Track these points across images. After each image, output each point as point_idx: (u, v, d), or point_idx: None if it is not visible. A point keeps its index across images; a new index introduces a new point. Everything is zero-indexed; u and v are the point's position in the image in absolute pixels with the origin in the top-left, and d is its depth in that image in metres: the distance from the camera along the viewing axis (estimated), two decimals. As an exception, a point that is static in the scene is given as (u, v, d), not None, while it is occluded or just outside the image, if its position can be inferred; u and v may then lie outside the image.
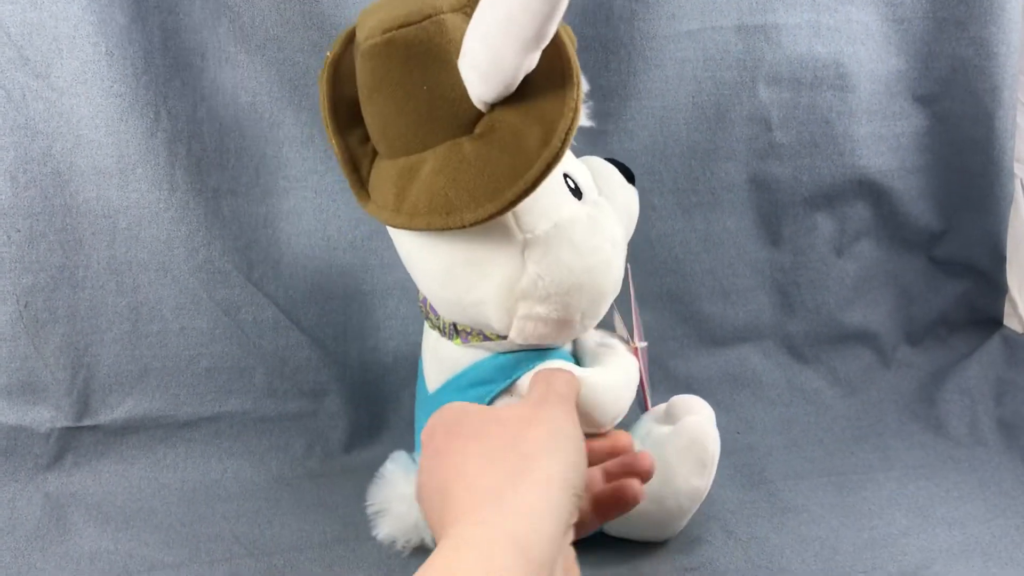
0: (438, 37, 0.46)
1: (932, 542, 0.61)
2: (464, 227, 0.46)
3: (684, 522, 0.59)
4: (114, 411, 0.71)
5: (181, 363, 0.72)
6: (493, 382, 0.53)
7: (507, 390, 0.53)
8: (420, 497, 0.41)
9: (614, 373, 0.54)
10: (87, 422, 0.70)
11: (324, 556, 0.60)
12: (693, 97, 0.80)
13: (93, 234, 0.70)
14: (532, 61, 0.45)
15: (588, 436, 0.41)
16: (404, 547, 0.58)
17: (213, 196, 0.72)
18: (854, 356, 0.87)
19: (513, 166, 0.45)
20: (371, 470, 0.61)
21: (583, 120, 0.51)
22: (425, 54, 0.47)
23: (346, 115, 0.52)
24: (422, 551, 0.58)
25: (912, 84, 0.84)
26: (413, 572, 0.33)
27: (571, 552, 0.40)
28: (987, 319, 0.90)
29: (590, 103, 0.52)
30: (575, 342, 0.58)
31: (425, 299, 0.56)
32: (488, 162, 0.46)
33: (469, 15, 0.46)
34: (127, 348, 0.71)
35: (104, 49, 0.67)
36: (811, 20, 0.80)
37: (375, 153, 0.52)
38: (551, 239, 0.49)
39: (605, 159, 0.58)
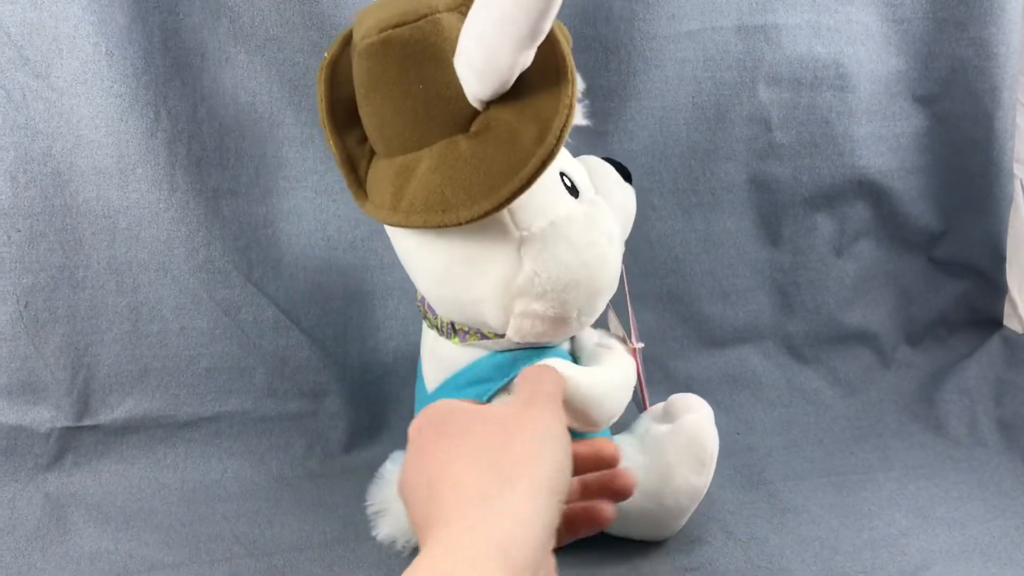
0: (434, 36, 0.47)
1: (932, 542, 0.61)
2: (460, 224, 0.46)
3: (683, 521, 0.59)
4: (114, 411, 0.71)
5: (181, 363, 0.72)
6: (491, 380, 0.53)
7: (505, 388, 0.53)
8: (403, 492, 0.41)
9: (612, 372, 0.54)
10: (87, 422, 0.70)
11: (324, 556, 0.60)
12: (693, 97, 0.80)
13: (93, 234, 0.70)
14: (527, 59, 0.45)
15: (573, 438, 0.41)
16: (404, 547, 0.58)
17: (213, 196, 0.72)
18: (854, 356, 0.87)
19: (509, 163, 0.45)
20: (371, 470, 0.61)
21: (579, 118, 0.51)
22: (421, 53, 0.47)
23: (344, 115, 0.52)
24: (422, 551, 0.58)
25: (912, 84, 0.84)
26: (413, 573, 0.33)
27: (551, 559, 0.40)
28: (987, 319, 0.90)
29: (586, 102, 0.52)
30: (573, 341, 0.58)
31: (423, 298, 0.56)
32: (484, 160, 0.46)
33: (464, 14, 0.46)
34: (127, 348, 0.71)
35: (104, 49, 0.67)
36: (811, 20, 0.80)
37: (372, 153, 0.52)
38: (547, 236, 0.49)
39: (602, 158, 0.58)
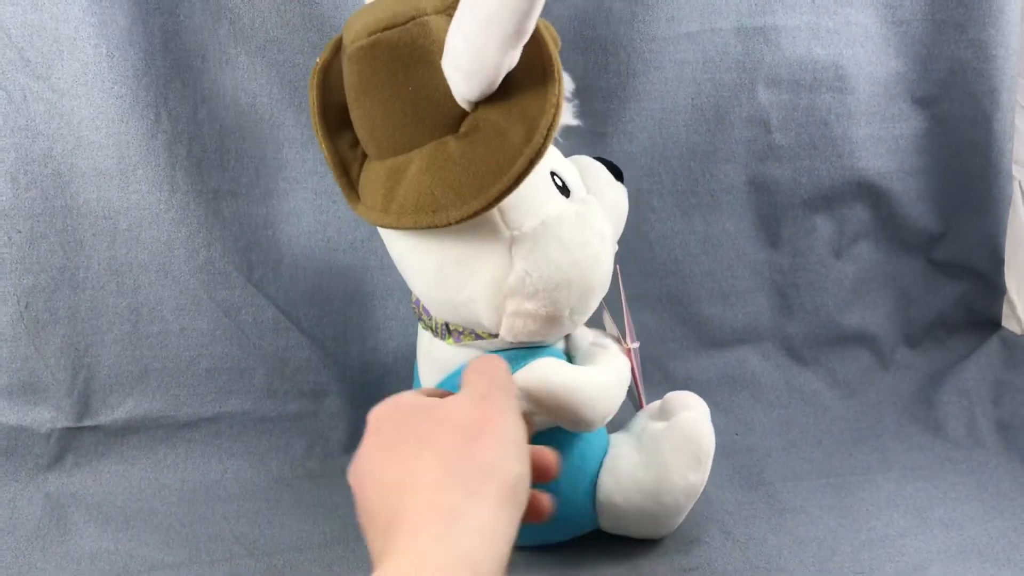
0: (422, 39, 0.47)
1: (930, 543, 0.61)
2: (451, 225, 0.46)
3: (681, 519, 0.60)
4: (114, 411, 0.71)
5: (181, 364, 0.72)
6: None
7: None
8: (358, 482, 0.41)
9: (605, 372, 0.54)
10: (87, 422, 0.70)
11: (324, 556, 0.60)
12: (692, 99, 0.80)
13: (94, 235, 0.70)
14: (513, 59, 0.45)
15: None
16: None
17: (213, 197, 0.72)
18: (853, 358, 0.87)
19: (497, 163, 0.45)
20: (371, 471, 0.61)
21: (568, 118, 0.52)
22: (409, 56, 0.47)
23: (336, 119, 0.53)
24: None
25: (911, 86, 0.85)
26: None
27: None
28: (985, 321, 0.90)
29: (575, 101, 0.53)
30: (568, 341, 0.58)
31: (418, 300, 0.56)
32: (473, 160, 0.46)
33: (452, 16, 0.46)
34: (128, 349, 0.71)
35: (105, 51, 0.67)
36: (810, 22, 0.80)
37: (364, 156, 0.53)
38: (538, 236, 0.50)
39: (594, 157, 0.58)
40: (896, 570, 0.58)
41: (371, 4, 0.50)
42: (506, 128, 0.46)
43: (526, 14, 0.42)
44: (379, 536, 0.38)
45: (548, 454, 0.45)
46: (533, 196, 0.50)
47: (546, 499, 0.45)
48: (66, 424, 0.70)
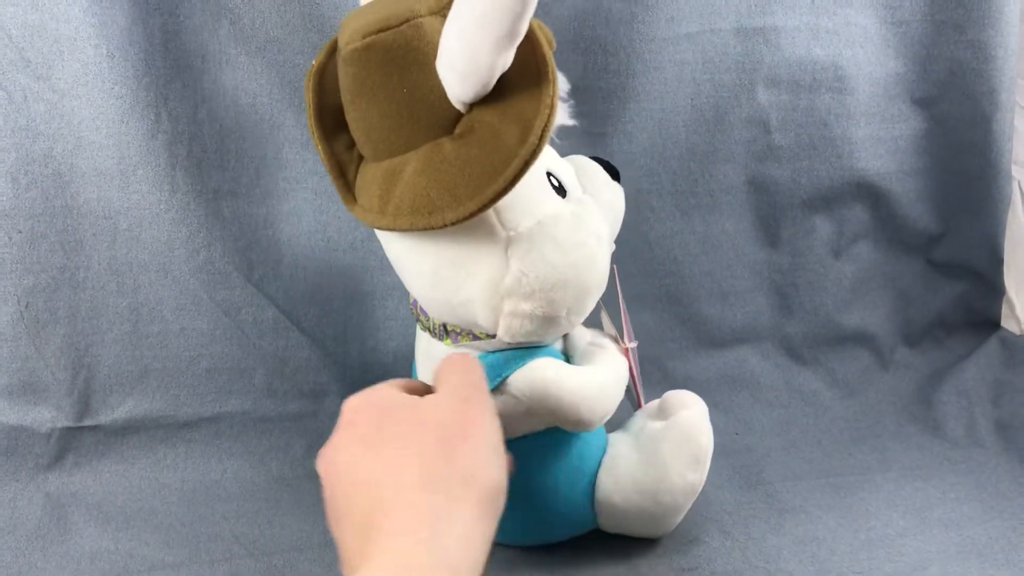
0: (416, 40, 0.47)
1: (929, 543, 0.61)
2: (447, 226, 0.46)
3: (679, 518, 0.60)
4: (115, 411, 0.71)
5: (181, 364, 0.72)
6: None
7: (498, 389, 0.53)
8: (332, 475, 0.41)
9: (603, 372, 0.54)
10: (88, 422, 0.70)
11: (324, 556, 0.60)
12: (692, 99, 0.80)
13: (94, 235, 0.70)
14: (507, 60, 0.45)
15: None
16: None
17: (213, 197, 0.72)
18: (852, 358, 0.87)
19: (492, 164, 0.45)
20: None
21: (564, 118, 0.52)
22: (404, 57, 0.47)
23: (332, 122, 0.53)
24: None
25: (910, 87, 0.85)
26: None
27: None
28: (985, 321, 0.90)
29: (571, 101, 0.53)
30: (566, 340, 0.58)
31: (416, 301, 0.57)
32: (468, 161, 0.46)
33: (446, 17, 0.46)
34: (128, 349, 0.71)
35: (105, 51, 0.67)
36: (810, 23, 0.80)
37: (361, 158, 0.53)
38: (534, 236, 0.50)
39: (590, 157, 0.58)
40: (895, 570, 0.58)
41: (365, 6, 0.50)
42: (501, 129, 0.46)
43: (519, 15, 0.42)
44: (354, 533, 0.38)
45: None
46: (529, 197, 0.50)
47: (509, 459, 0.45)
48: (66, 424, 0.70)
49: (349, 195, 0.53)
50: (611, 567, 0.59)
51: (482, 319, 0.51)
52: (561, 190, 0.53)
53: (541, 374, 0.52)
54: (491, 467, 0.41)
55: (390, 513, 0.37)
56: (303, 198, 0.75)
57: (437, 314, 0.54)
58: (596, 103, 0.79)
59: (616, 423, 0.59)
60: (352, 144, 0.53)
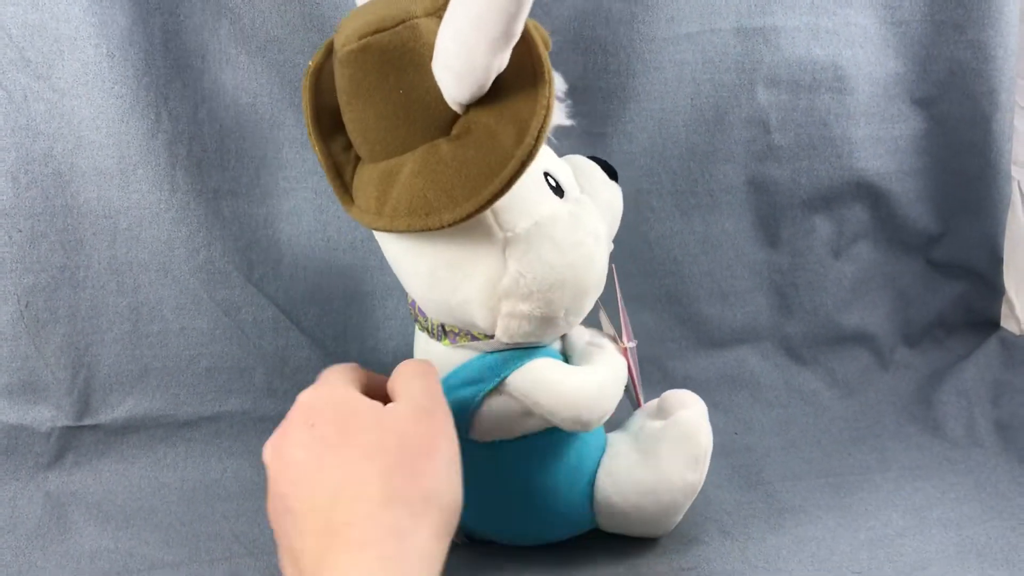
0: (412, 42, 0.47)
1: (928, 543, 0.61)
2: (443, 227, 0.46)
3: (679, 518, 0.60)
4: (114, 410, 0.71)
5: (181, 363, 0.72)
6: (483, 381, 0.53)
7: (496, 389, 0.53)
8: (284, 470, 0.42)
9: (602, 371, 0.54)
10: (88, 421, 0.70)
11: (323, 555, 0.60)
12: (692, 99, 0.80)
13: (94, 234, 0.70)
14: (503, 61, 0.45)
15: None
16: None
17: (213, 197, 0.72)
18: (852, 358, 0.87)
19: (489, 165, 0.45)
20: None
21: (561, 118, 0.52)
22: (400, 59, 0.47)
23: (329, 123, 0.53)
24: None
25: (910, 87, 0.85)
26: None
27: None
28: (984, 321, 0.90)
29: (568, 101, 0.53)
30: (564, 340, 0.58)
31: (414, 301, 0.57)
32: (465, 162, 0.46)
33: (442, 19, 0.46)
34: (128, 348, 0.71)
35: (105, 51, 0.67)
36: (809, 23, 0.80)
37: (358, 159, 0.53)
38: (532, 237, 0.50)
39: (588, 156, 0.58)
40: (895, 569, 0.58)
41: (361, 7, 0.50)
42: (497, 130, 0.46)
43: (514, 16, 0.42)
44: (311, 534, 0.39)
45: None
46: (526, 197, 0.50)
47: None
48: (66, 423, 0.70)
49: (346, 196, 0.53)
50: (610, 567, 0.59)
51: (480, 320, 0.51)
52: (559, 190, 0.53)
53: (539, 374, 0.52)
54: (451, 485, 0.42)
55: (353, 524, 0.38)
56: (303, 198, 0.75)
57: (435, 315, 0.54)
58: (596, 103, 0.79)
59: (615, 423, 0.59)
60: (349, 145, 0.53)
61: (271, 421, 0.73)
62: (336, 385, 0.46)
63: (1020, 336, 0.88)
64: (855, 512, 0.65)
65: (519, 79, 0.46)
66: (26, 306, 0.69)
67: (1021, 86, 0.85)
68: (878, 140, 0.85)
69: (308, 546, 0.39)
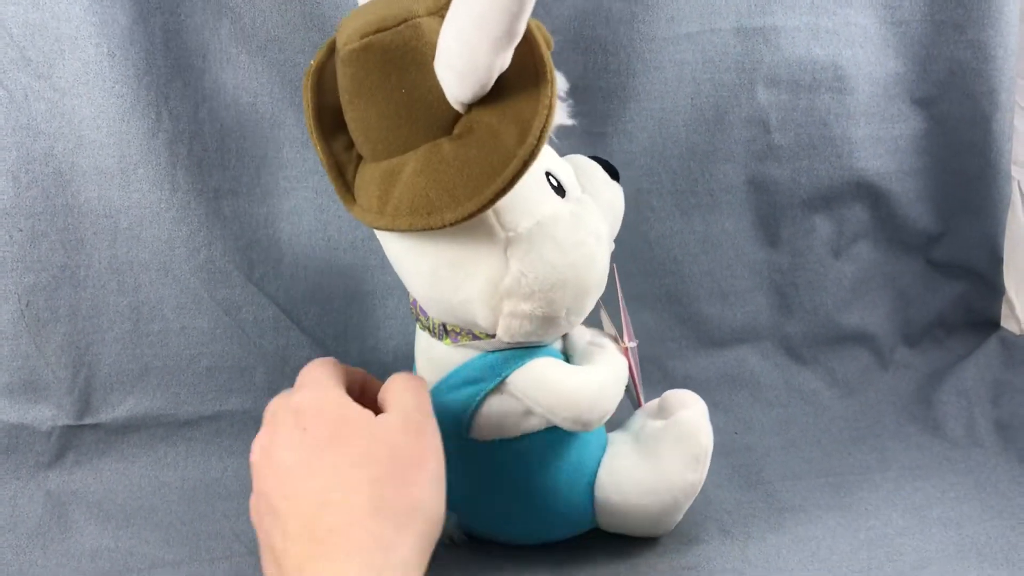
0: (414, 41, 0.47)
1: (928, 542, 0.61)
2: (445, 226, 0.46)
3: (679, 517, 0.60)
4: (115, 410, 0.71)
5: (182, 362, 0.72)
6: (484, 380, 0.53)
7: (497, 388, 0.53)
8: (272, 470, 0.42)
9: (603, 371, 0.54)
10: (88, 420, 0.70)
11: (323, 554, 0.60)
12: (692, 99, 0.80)
13: (95, 234, 0.70)
14: (505, 60, 0.45)
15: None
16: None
17: (214, 196, 0.72)
18: (852, 357, 0.87)
19: (491, 165, 0.45)
20: (370, 469, 0.61)
21: (563, 118, 0.52)
22: (402, 58, 0.47)
23: (330, 122, 0.53)
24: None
25: (910, 87, 0.85)
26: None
27: None
28: (984, 321, 0.90)
29: (570, 101, 0.53)
30: (566, 340, 0.58)
31: (415, 300, 0.57)
32: (467, 162, 0.46)
33: (444, 18, 0.46)
34: (128, 347, 0.71)
35: (106, 50, 0.67)
36: (809, 23, 0.80)
37: (360, 158, 0.53)
38: (533, 236, 0.50)
39: (589, 156, 0.58)
40: (895, 569, 0.58)
41: (363, 6, 0.50)
42: (500, 130, 0.46)
43: (516, 15, 0.43)
44: (295, 538, 0.39)
45: None
46: (528, 197, 0.50)
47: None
48: (67, 422, 0.70)
49: (348, 195, 0.53)
50: (611, 566, 0.59)
51: (481, 319, 0.51)
52: (560, 190, 0.53)
53: (541, 374, 0.52)
54: (437, 499, 0.42)
55: (339, 531, 0.38)
56: (304, 197, 0.75)
57: (436, 314, 0.54)
58: (596, 103, 0.79)
59: (616, 422, 0.60)
60: (351, 144, 0.53)
61: (271, 420, 0.74)
62: (329, 389, 0.46)
63: (1020, 336, 0.88)
64: (855, 511, 0.65)
65: (521, 79, 0.47)
66: (27, 305, 0.69)
67: (1021, 86, 0.85)
68: (878, 140, 0.85)
69: (291, 549, 0.39)
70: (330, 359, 0.50)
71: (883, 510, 0.66)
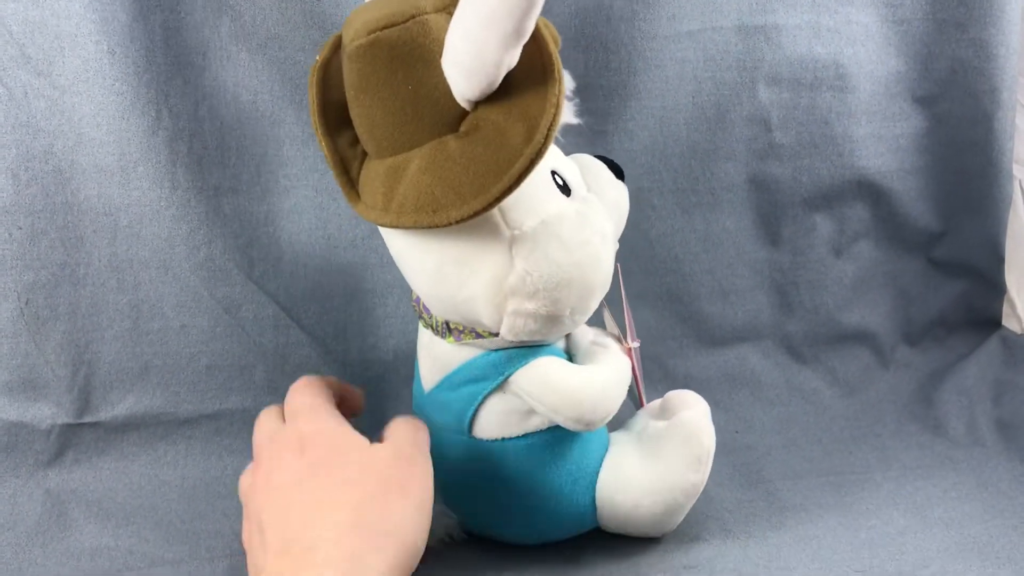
0: (421, 37, 0.47)
1: (929, 542, 0.61)
2: (451, 224, 0.46)
3: (680, 517, 0.60)
4: (115, 408, 0.71)
5: (182, 360, 0.72)
6: (486, 379, 0.53)
7: (500, 387, 0.53)
8: (266, 493, 0.43)
9: (606, 371, 0.54)
10: (88, 419, 0.70)
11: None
12: (693, 97, 0.80)
13: (94, 232, 0.70)
14: (513, 58, 0.45)
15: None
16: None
17: (214, 194, 0.72)
18: (853, 356, 0.87)
19: (497, 163, 0.45)
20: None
21: (569, 117, 0.52)
22: (409, 54, 0.47)
23: (335, 118, 0.53)
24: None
25: (912, 85, 0.85)
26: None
27: None
28: (985, 320, 0.90)
29: (576, 100, 0.53)
30: (568, 339, 0.58)
31: (418, 298, 0.56)
32: (473, 159, 0.46)
33: (452, 15, 0.46)
34: (128, 345, 0.71)
35: (106, 47, 0.67)
36: (811, 21, 0.80)
37: (364, 155, 0.53)
38: (538, 235, 0.50)
39: (594, 155, 0.58)
40: (896, 568, 0.58)
41: (370, 2, 0.50)
42: (506, 128, 0.46)
43: (526, 13, 0.42)
44: (270, 555, 0.40)
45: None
46: (534, 195, 0.50)
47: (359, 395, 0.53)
48: (66, 420, 0.70)
49: (352, 192, 0.52)
50: (612, 566, 0.59)
51: (485, 317, 0.51)
52: (566, 189, 0.53)
53: (543, 373, 0.52)
54: (418, 528, 0.43)
55: (318, 547, 0.39)
56: (304, 195, 0.75)
57: (440, 312, 0.54)
58: (597, 101, 0.79)
59: (618, 422, 0.60)
60: (356, 141, 0.53)
61: (272, 419, 0.74)
62: (328, 418, 0.47)
63: (1021, 335, 0.88)
64: (856, 511, 0.65)
65: (529, 77, 0.46)
66: (26, 303, 0.69)
67: (1023, 84, 0.85)
68: (879, 138, 0.85)
69: (271, 564, 0.40)
70: (314, 378, 0.51)
71: (884, 509, 0.66)
